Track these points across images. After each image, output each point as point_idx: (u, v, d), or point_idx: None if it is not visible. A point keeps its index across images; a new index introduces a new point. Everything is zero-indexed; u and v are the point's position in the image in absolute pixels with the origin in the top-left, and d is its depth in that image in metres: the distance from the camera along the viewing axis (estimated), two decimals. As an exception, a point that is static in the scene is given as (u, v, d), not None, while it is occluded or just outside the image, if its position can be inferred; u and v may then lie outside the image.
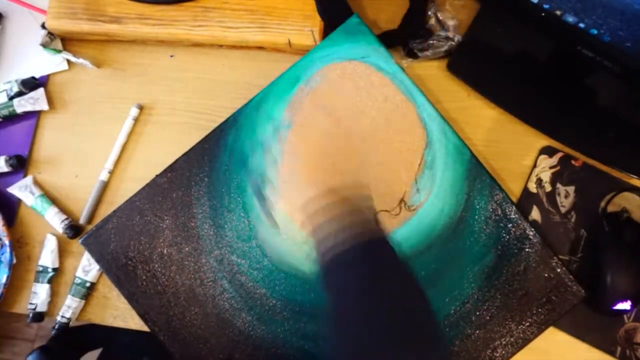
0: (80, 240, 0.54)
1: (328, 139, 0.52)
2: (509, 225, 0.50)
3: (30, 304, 0.57)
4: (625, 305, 0.50)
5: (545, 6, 0.49)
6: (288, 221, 0.52)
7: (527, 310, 0.49)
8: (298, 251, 0.52)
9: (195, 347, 0.52)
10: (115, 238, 0.53)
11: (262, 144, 0.53)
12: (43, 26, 0.60)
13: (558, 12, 0.48)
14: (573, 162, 0.55)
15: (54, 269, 0.57)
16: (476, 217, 0.51)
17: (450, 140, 0.51)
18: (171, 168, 0.54)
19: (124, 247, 0.53)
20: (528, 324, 0.49)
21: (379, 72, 0.52)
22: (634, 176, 0.54)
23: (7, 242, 0.57)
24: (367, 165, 0.52)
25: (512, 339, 0.49)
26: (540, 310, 0.49)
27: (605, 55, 0.49)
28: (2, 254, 0.57)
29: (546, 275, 0.50)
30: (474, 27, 0.57)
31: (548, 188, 0.55)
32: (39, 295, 0.57)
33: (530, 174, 0.55)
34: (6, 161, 0.59)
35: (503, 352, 0.49)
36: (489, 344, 0.50)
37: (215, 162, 0.53)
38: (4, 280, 0.56)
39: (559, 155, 0.55)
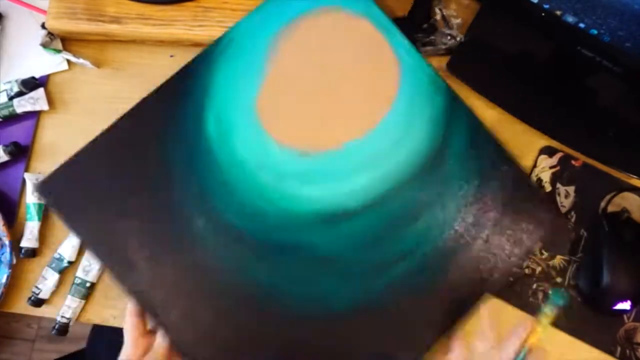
0: (36, 188, 0.52)
1: (306, 71, 0.52)
2: (487, 151, 0.51)
3: (36, 287, 0.57)
4: (625, 305, 0.50)
5: (545, 6, 0.49)
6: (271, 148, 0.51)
7: (518, 228, 0.50)
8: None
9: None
10: (76, 184, 0.50)
11: (242, 77, 0.52)
12: (43, 26, 0.60)
13: (558, 12, 0.48)
14: (573, 162, 0.55)
15: (69, 262, 0.57)
16: (456, 145, 0.51)
17: (425, 73, 0.51)
18: (137, 107, 0.52)
19: (85, 193, 0.50)
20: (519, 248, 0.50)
21: (352, 6, 0.52)
22: (634, 176, 0.54)
23: (7, 242, 0.57)
24: (341, 97, 0.52)
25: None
26: (530, 226, 0.50)
27: (605, 55, 0.49)
28: (2, 254, 0.57)
29: (526, 194, 0.50)
30: (473, 27, 0.57)
31: (548, 188, 0.55)
32: (47, 281, 0.57)
33: (530, 174, 0.55)
34: (4, 150, 0.58)
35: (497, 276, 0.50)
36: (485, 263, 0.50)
37: (187, 98, 0.52)
38: (4, 280, 0.56)
39: (559, 155, 0.55)
